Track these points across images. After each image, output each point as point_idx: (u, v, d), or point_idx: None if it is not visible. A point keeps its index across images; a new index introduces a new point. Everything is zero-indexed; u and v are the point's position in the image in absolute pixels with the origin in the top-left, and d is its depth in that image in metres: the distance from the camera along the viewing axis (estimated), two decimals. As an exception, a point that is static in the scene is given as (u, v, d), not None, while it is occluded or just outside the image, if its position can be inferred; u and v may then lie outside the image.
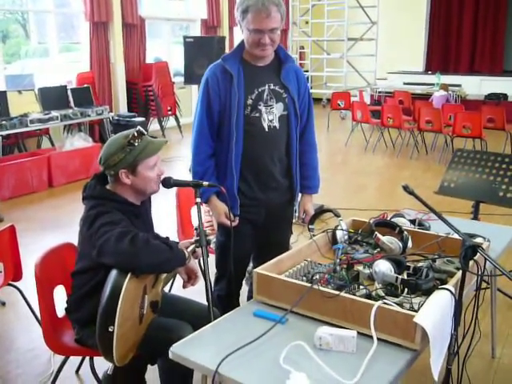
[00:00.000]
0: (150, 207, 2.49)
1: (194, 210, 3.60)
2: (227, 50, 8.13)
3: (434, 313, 1.76)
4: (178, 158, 7.89)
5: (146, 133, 2.24)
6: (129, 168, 2.19)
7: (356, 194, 6.71)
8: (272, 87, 2.60)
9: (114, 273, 1.99)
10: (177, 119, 10.36)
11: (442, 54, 14.14)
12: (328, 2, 13.54)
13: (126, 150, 2.17)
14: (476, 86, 12.21)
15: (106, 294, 1.97)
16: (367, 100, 11.71)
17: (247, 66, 2.58)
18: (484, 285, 3.24)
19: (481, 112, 8.17)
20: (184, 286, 2.34)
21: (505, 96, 11.52)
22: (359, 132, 9.89)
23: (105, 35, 9.57)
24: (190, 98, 10.99)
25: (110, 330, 1.93)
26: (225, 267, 2.76)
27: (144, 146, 2.20)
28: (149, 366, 2.57)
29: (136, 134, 2.18)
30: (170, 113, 10.21)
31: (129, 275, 1.98)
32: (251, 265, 3.05)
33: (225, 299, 2.81)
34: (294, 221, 3.00)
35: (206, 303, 2.25)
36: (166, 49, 11.55)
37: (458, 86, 11.78)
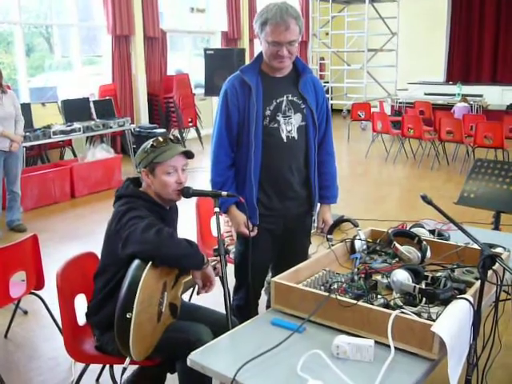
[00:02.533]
0: (177, 217, 2.55)
1: (213, 220, 3.63)
2: (247, 62, 8.19)
3: (452, 322, 1.75)
4: (199, 169, 7.94)
5: (174, 139, 2.35)
6: (148, 168, 2.31)
7: (376, 204, 6.69)
8: (290, 98, 2.63)
9: (134, 263, 2.07)
10: (197, 130, 10.44)
11: (463, 64, 14.05)
12: (348, 13, 13.59)
13: (147, 151, 2.31)
14: (498, 96, 12.09)
15: (125, 282, 2.05)
16: (388, 111, 11.68)
17: (265, 77, 2.61)
18: (507, 296, 3.22)
19: (502, 122, 8.10)
20: (198, 293, 2.36)
21: (527, 106, 11.41)
22: (380, 143, 9.87)
23: (127, 48, 9.71)
24: (210, 110, 11.07)
25: (128, 316, 1.99)
26: (244, 277, 2.78)
27: (162, 151, 2.29)
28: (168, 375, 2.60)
29: (161, 139, 2.31)
30: (190, 124, 10.30)
31: (149, 265, 2.06)
32: (270, 274, 3.06)
33: (244, 309, 2.82)
34: (312, 231, 3.01)
35: (225, 312, 2.26)
36: (186, 61, 11.68)
37: (480, 96, 11.68)
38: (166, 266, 2.17)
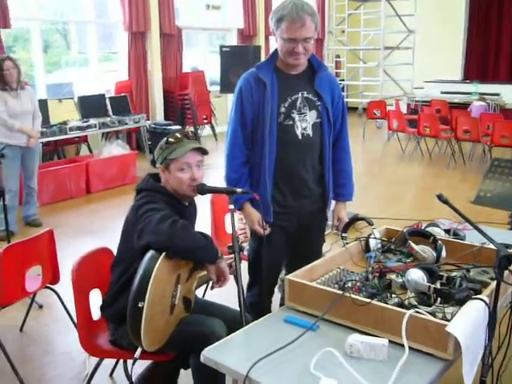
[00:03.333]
0: (196, 214, 2.56)
1: (228, 217, 3.63)
2: (263, 59, 8.18)
3: (467, 323, 1.74)
4: (214, 166, 7.93)
5: (189, 136, 2.36)
6: (164, 164, 2.33)
7: (391, 203, 6.65)
8: (305, 95, 2.62)
9: (148, 254, 2.09)
10: (212, 128, 10.46)
11: (481, 63, 13.90)
12: (364, 10, 13.51)
13: (163, 148, 2.34)
14: (516, 94, 11.95)
15: (139, 272, 2.07)
16: (403, 109, 11.60)
17: (280, 74, 2.61)
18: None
19: (520, 121, 8.01)
20: (212, 287, 2.36)
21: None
22: (395, 141, 9.81)
23: (143, 45, 9.75)
24: (225, 107, 11.08)
25: (140, 305, 2.01)
26: (257, 274, 2.78)
27: (176, 147, 2.30)
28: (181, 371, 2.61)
29: (177, 135, 2.33)
30: (205, 121, 10.31)
31: (162, 255, 2.08)
32: (284, 272, 3.05)
33: (257, 306, 2.82)
34: (327, 230, 3.00)
35: (238, 309, 2.27)
36: (202, 58, 11.69)
37: (497, 94, 11.55)
38: (180, 257, 2.18)
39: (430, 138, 9.21)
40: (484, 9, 13.68)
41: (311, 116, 2.63)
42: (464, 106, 10.57)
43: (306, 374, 1.65)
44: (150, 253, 2.10)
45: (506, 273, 1.89)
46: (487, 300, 1.86)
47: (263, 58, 8.72)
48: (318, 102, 2.64)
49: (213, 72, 11.03)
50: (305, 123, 2.62)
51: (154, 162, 2.42)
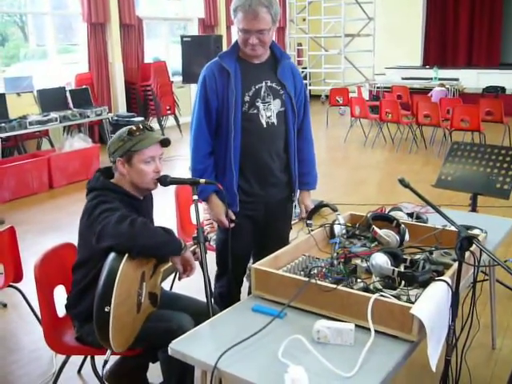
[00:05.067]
0: (152, 206, 2.52)
1: (193, 208, 3.61)
2: (224, 49, 8.14)
3: (431, 304, 1.78)
4: (178, 157, 7.90)
5: (149, 127, 2.31)
6: (125, 157, 2.26)
7: (356, 188, 6.72)
8: (269, 84, 2.62)
9: (111, 256, 2.04)
10: (176, 118, 10.37)
11: (440, 49, 14.12)
12: (325, -2, 13.54)
13: (124, 139, 2.26)
14: (474, 79, 12.19)
15: (103, 275, 2.02)
16: (366, 95, 11.71)
17: (244, 63, 2.60)
18: (484, 277, 3.28)
19: (479, 105, 8.17)
20: (180, 278, 2.35)
21: (503, 89, 11.51)
22: (358, 127, 9.90)
23: (103, 36, 9.58)
24: (188, 97, 11.00)
25: (106, 310, 1.98)
26: (225, 264, 2.78)
27: (141, 139, 2.25)
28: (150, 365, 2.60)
29: (137, 127, 2.27)
30: (169, 112, 10.22)
31: (125, 256, 2.03)
32: (252, 261, 3.06)
33: (226, 296, 2.83)
34: (294, 218, 3.02)
35: (204, 300, 2.26)
36: (164, 48, 11.56)
37: (456, 79, 11.77)
38: (144, 256, 2.15)
39: (392, 124, 9.32)
40: (442, -5, 13.88)
41: (275, 105, 2.63)
42: (424, 92, 10.73)
43: (274, 361, 1.66)
44: (112, 255, 2.05)
45: (467, 254, 1.93)
46: (450, 281, 1.90)
47: (225, 47, 8.69)
48: (282, 90, 2.65)
49: (175, 62, 10.91)
50: (269, 112, 2.62)
51: (109, 155, 2.32)
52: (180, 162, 7.58)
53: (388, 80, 12.67)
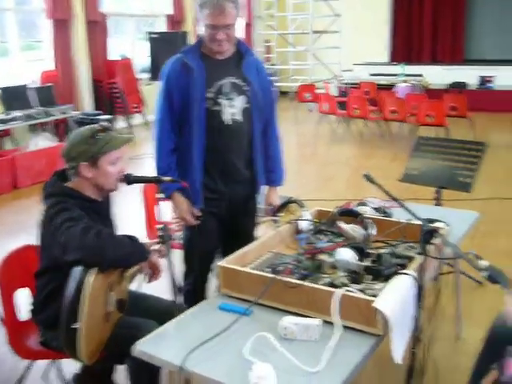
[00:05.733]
0: (111, 205, 2.48)
1: (160, 207, 3.59)
2: (191, 45, 8.10)
3: (394, 297, 1.79)
4: (147, 156, 7.81)
5: (111, 128, 2.24)
6: (90, 161, 2.17)
7: (325, 184, 6.76)
8: (233, 80, 2.60)
9: (77, 269, 1.98)
10: (144, 116, 10.27)
11: (406, 45, 14.28)
12: (292, -5, 13.57)
13: (89, 143, 2.16)
14: (438, 75, 12.35)
15: (69, 290, 1.96)
16: (334, 92, 11.77)
17: (207, 59, 2.58)
18: (450, 269, 3.33)
19: (443, 101, 8.29)
20: (149, 281, 2.33)
21: (465, 85, 11.70)
22: (326, 123, 9.95)
23: (67, 33, 9.41)
24: (156, 95, 10.89)
25: (75, 326, 1.92)
26: (192, 262, 2.77)
27: (107, 140, 2.18)
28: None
29: (100, 128, 2.19)
30: (136, 110, 10.12)
31: (94, 271, 1.98)
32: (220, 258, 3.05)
33: (193, 294, 2.80)
34: (260, 214, 3.01)
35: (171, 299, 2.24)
36: (130, 45, 11.42)
37: (421, 75, 11.91)
38: (113, 268, 2.10)
39: (359, 120, 9.39)
40: (407, -8, 14.04)
41: (239, 101, 2.62)
42: (391, 88, 10.83)
43: (240, 359, 1.66)
44: (80, 269, 1.97)
45: (431, 247, 1.96)
46: (414, 274, 1.92)
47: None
48: (246, 87, 2.63)
49: (142, 59, 10.80)
50: (233, 108, 2.60)
51: (68, 161, 2.20)
52: (149, 160, 7.50)
53: (355, 76, 12.75)
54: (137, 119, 10.34)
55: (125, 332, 2.16)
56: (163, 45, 7.12)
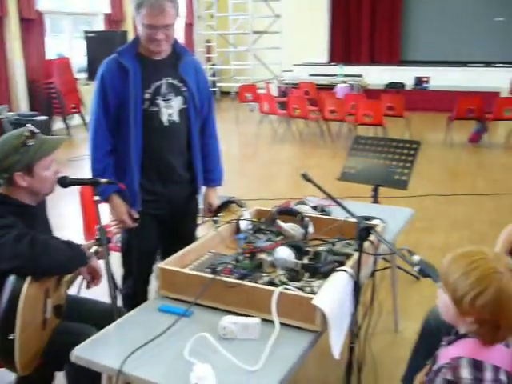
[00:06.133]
0: (46, 208, 2.41)
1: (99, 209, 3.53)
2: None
3: (332, 294, 1.83)
4: (86, 157, 7.66)
5: (37, 131, 2.15)
6: (24, 170, 2.07)
7: (267, 184, 6.81)
8: (170, 81, 2.58)
9: (11, 278, 1.92)
10: (82, 117, 10.04)
11: (344, 46, 14.56)
12: (232, -5, 13.59)
13: (21, 152, 2.05)
14: (376, 75, 12.67)
15: (3, 300, 1.90)
16: (275, 92, 11.87)
17: (143, 60, 2.55)
18: (387, 264, 3.42)
19: (381, 100, 8.51)
20: (88, 287, 2.28)
21: (402, 85, 12.06)
22: (267, 123, 10.02)
23: (1, 31, 9.10)
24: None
25: (11, 337, 1.87)
26: (131, 265, 2.73)
27: (39, 146, 2.09)
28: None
29: (29, 134, 2.08)
30: (74, 111, 9.88)
31: (28, 279, 1.92)
32: (161, 260, 3.02)
33: (133, 297, 2.77)
34: (200, 215, 3.01)
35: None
36: (68, 44, 11.15)
37: (360, 76, 12.18)
38: (49, 275, 2.04)
39: (300, 119, 9.51)
40: (345, -7, 14.30)
41: (177, 102, 2.60)
42: (331, 88, 11.03)
43: (180, 361, 1.65)
44: (13, 278, 1.91)
45: (367, 243, 2.01)
46: (350, 271, 1.96)
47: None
48: (184, 87, 2.62)
49: (80, 59, 10.55)
50: (171, 109, 2.59)
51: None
52: (87, 162, 7.36)
53: (295, 76, 12.90)
54: (75, 120, 10.10)
55: (63, 338, 2.11)
56: (101, 44, 7.01)
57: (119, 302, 2.22)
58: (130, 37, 9.03)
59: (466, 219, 5.20)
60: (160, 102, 2.55)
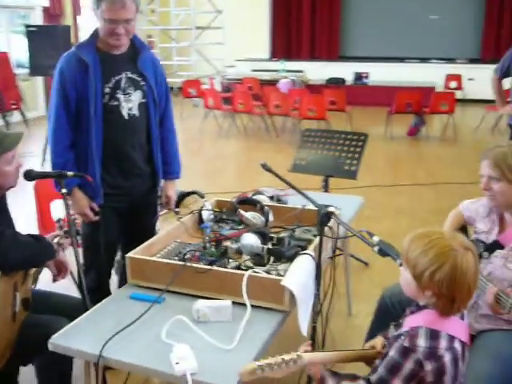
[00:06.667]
0: (7, 202, 2.41)
1: (53, 204, 3.51)
2: (73, 40, 7.87)
3: (299, 275, 1.95)
4: (28, 154, 7.50)
5: None
6: None
7: (215, 178, 6.88)
8: (129, 75, 2.62)
9: None
10: (22, 113, 9.79)
11: (285, 42, 14.76)
12: (173, -10, 13.54)
13: None
14: (317, 71, 12.95)
15: None
16: (218, 87, 11.93)
17: (103, 54, 2.58)
18: (340, 252, 3.57)
19: (323, 95, 8.73)
20: (54, 280, 2.30)
21: (343, 80, 12.38)
22: (212, 118, 10.08)
23: None
24: (36, 91, 10.42)
25: None
26: (92, 258, 2.76)
27: (1, 141, 2.10)
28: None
29: None
30: (14, 107, 9.61)
31: None
32: (120, 254, 3.06)
33: (95, 291, 2.79)
34: (159, 208, 3.06)
35: (77, 296, 2.24)
36: (5, 39, 10.81)
37: (301, 71, 12.41)
38: (18, 270, 2.06)
39: (244, 114, 9.62)
40: (285, -11, 14.50)
41: (136, 96, 2.65)
42: (273, 83, 11.19)
43: (158, 343, 1.73)
44: None
45: (326, 229, 2.13)
46: (313, 254, 2.08)
47: (73, 38, 8.36)
48: (143, 82, 2.66)
49: (19, 54, 10.27)
50: (130, 103, 2.63)
51: None
52: (31, 158, 7.21)
53: (238, 72, 13.01)
54: (15, 117, 9.83)
55: (34, 331, 2.13)
56: (43, 39, 6.84)
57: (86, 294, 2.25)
58: (72, 32, 8.88)
59: (409, 207, 5.46)
60: (120, 96, 2.59)
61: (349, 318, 3.37)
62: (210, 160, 7.89)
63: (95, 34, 2.58)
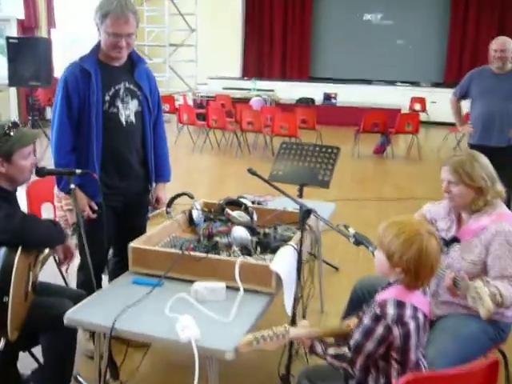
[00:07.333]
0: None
1: (44, 207, 3.69)
2: (53, 52, 8.04)
3: (284, 262, 2.22)
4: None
5: (20, 124, 2.39)
6: (4, 157, 2.31)
7: (190, 190, 7.03)
8: (127, 85, 2.88)
9: (3, 249, 2.16)
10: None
11: (257, 61, 15.17)
12: (148, 7, 13.80)
13: (2, 140, 2.30)
14: (287, 90, 13.37)
15: None
16: (190, 103, 12.20)
17: (104, 66, 2.83)
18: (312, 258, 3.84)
19: (295, 113, 9.09)
20: (60, 265, 2.52)
21: (312, 100, 12.81)
22: (186, 134, 10.31)
23: None
24: (9, 102, 10.46)
25: (5, 300, 2.11)
26: (90, 254, 2.95)
27: (20, 137, 2.34)
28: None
29: (11, 125, 2.33)
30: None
31: (19, 249, 2.17)
32: (111, 251, 3.26)
33: (89, 285, 2.98)
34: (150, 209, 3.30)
35: (69, 287, 2.44)
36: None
37: (272, 90, 12.81)
38: (36, 247, 2.31)
39: (218, 130, 9.89)
40: (258, 10, 14.92)
41: (133, 105, 2.90)
42: (245, 101, 11.53)
43: (163, 317, 1.97)
44: (5, 249, 2.17)
45: (306, 225, 2.41)
46: (296, 246, 2.36)
47: (54, 51, 8.51)
48: (139, 92, 2.92)
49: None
50: (128, 111, 2.88)
51: None
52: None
53: (210, 89, 13.32)
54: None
55: (40, 311, 2.34)
56: (22, 51, 7.02)
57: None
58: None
59: (376, 220, 5.72)
60: (119, 104, 2.84)
61: (321, 315, 3.64)
62: (185, 174, 8.11)
63: (96, 48, 2.83)
